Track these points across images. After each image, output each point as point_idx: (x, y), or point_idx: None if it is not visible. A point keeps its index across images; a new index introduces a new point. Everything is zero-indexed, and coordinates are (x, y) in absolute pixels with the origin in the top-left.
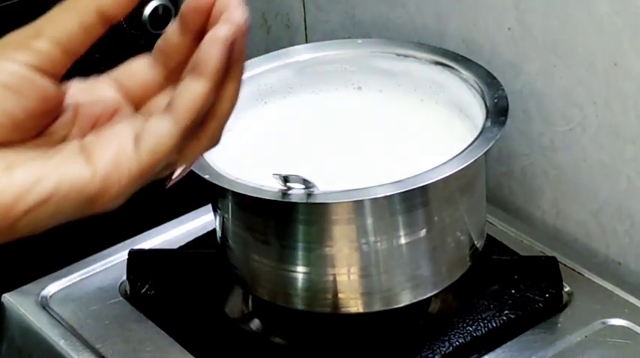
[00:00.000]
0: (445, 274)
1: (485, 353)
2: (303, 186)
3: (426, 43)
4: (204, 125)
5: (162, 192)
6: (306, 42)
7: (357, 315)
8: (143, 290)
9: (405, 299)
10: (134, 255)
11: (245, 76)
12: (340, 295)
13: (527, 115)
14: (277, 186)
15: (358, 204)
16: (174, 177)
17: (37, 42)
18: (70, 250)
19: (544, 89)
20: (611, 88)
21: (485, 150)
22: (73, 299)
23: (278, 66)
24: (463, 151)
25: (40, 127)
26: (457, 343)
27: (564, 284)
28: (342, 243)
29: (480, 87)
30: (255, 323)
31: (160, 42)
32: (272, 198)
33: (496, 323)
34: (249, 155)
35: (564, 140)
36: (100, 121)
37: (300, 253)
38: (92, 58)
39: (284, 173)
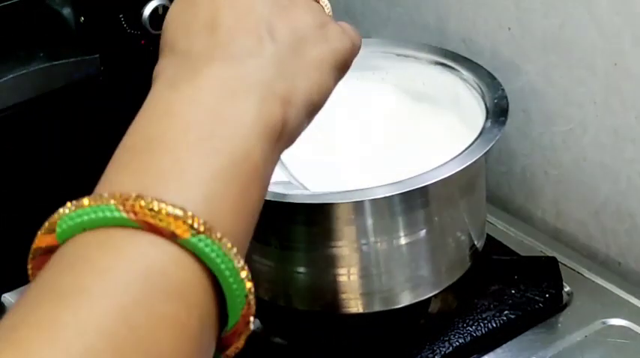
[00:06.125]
0: (445, 274)
1: (485, 353)
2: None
3: (426, 43)
4: None
5: None
6: None
7: (357, 315)
8: None
9: (405, 299)
10: None
11: None
12: (340, 295)
13: (527, 115)
14: (277, 186)
15: (358, 205)
16: None
17: None
18: None
19: (544, 89)
20: (611, 87)
21: (486, 150)
22: None
23: None
24: (463, 152)
25: None
26: (457, 343)
27: (564, 284)
28: (342, 243)
29: (480, 87)
30: (256, 323)
31: None
32: (272, 199)
33: (496, 323)
34: None
35: (564, 140)
36: None
37: (300, 253)
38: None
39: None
